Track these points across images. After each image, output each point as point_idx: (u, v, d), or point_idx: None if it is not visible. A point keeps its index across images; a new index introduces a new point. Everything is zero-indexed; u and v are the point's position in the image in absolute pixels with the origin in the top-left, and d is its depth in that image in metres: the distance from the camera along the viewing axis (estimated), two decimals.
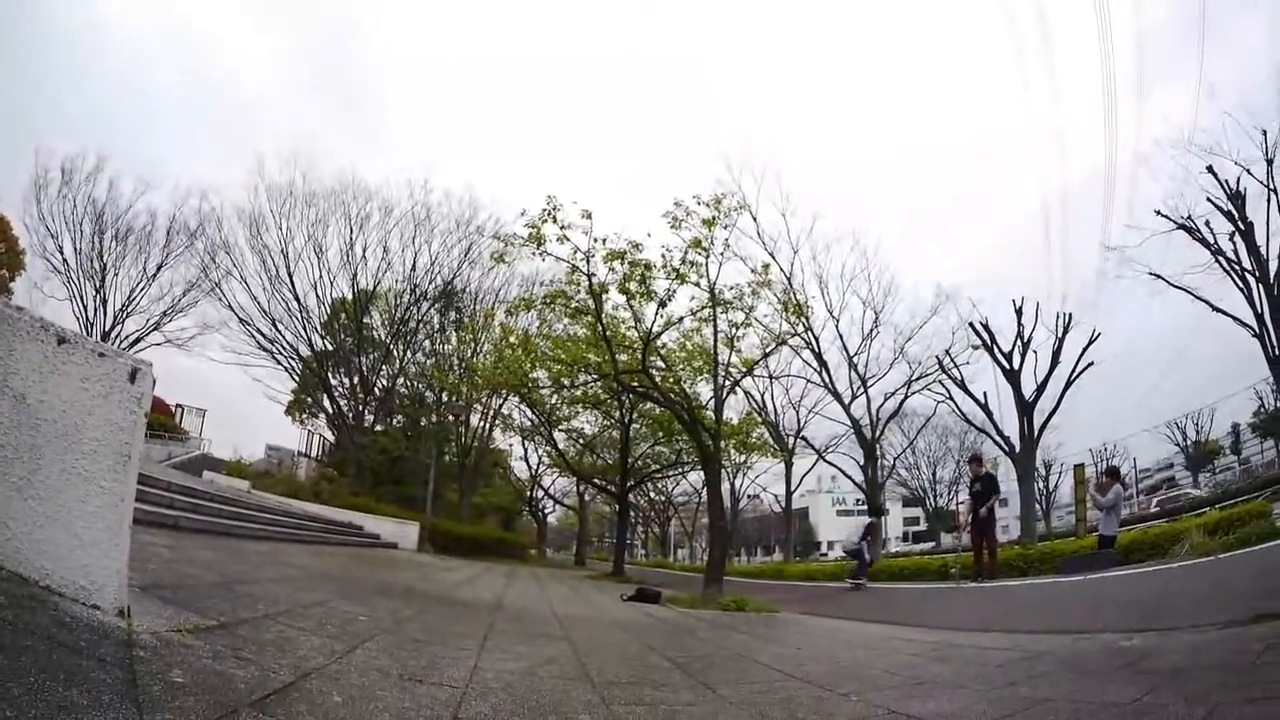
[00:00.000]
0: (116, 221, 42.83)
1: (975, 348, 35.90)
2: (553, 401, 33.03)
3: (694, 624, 10.28)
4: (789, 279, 39.67)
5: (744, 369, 23.71)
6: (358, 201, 43.44)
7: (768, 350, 24.46)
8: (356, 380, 45.75)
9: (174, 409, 52.85)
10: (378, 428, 47.11)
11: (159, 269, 43.49)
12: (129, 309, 44.28)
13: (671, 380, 21.60)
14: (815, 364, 41.98)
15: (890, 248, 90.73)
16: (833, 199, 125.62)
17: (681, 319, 21.25)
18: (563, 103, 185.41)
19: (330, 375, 45.99)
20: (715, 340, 20.28)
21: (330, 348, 45.61)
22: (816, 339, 41.03)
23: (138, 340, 44.14)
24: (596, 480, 42.52)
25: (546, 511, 68.33)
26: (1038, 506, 59.23)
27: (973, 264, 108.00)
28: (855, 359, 42.45)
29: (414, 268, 44.36)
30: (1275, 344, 22.97)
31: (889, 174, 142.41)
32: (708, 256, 18.53)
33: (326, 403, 45.93)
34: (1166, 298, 26.94)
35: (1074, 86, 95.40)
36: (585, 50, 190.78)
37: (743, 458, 44.56)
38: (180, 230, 43.09)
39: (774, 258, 39.25)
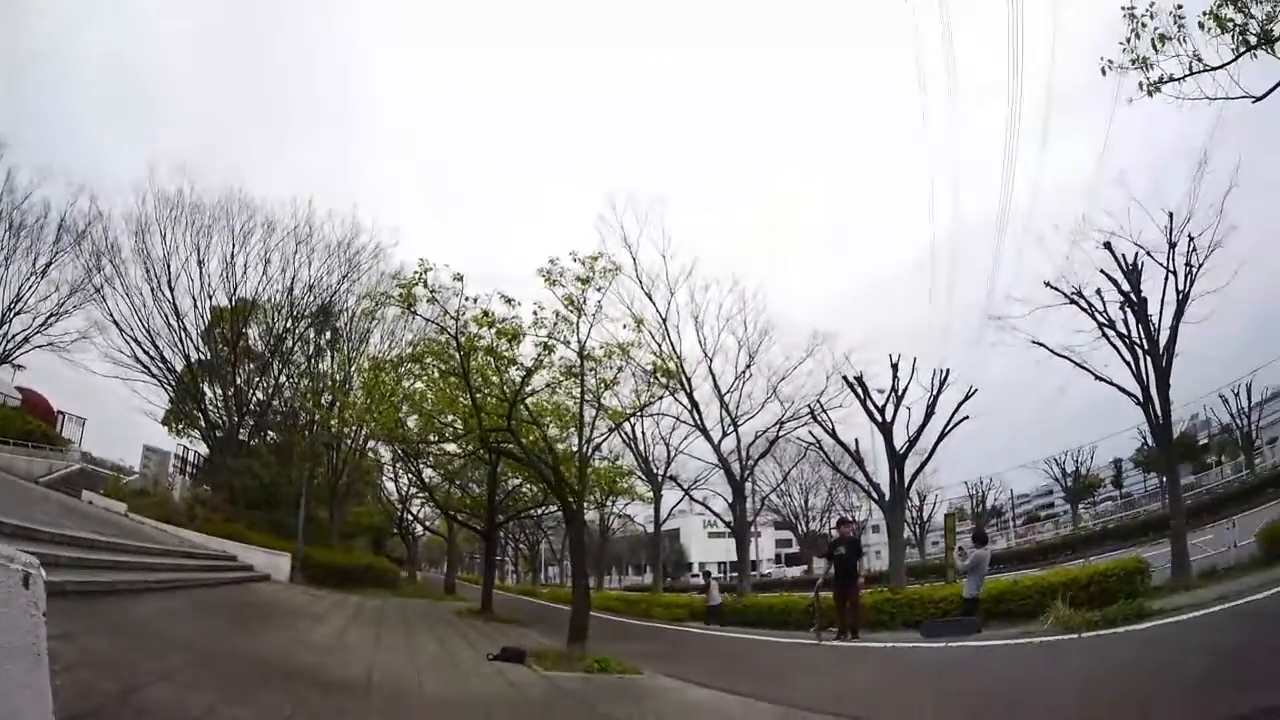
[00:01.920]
0: (12, 211, 41.58)
1: (850, 387, 35.51)
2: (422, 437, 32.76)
3: (553, 700, 10.62)
4: (664, 320, 40.52)
5: (613, 423, 23.98)
6: (242, 215, 42.67)
7: (631, 413, 24.69)
8: (231, 393, 44.47)
9: (57, 415, 51.37)
10: (253, 442, 45.99)
11: (48, 266, 42.27)
12: (17, 306, 42.97)
13: (537, 435, 21.75)
14: (687, 403, 41.59)
15: (771, 291, 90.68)
16: (717, 245, 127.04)
17: (549, 385, 21.65)
18: (454, 135, 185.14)
19: (206, 387, 44.83)
20: (582, 400, 20.53)
21: (207, 357, 44.40)
22: (689, 379, 40.90)
23: (25, 340, 43.26)
24: (461, 516, 42.81)
25: (417, 534, 67.93)
26: (911, 534, 60.44)
27: (855, 316, 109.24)
28: (727, 397, 42.34)
29: (293, 286, 43.81)
30: (1160, 414, 23.77)
31: (779, 222, 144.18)
32: (579, 316, 18.86)
33: (201, 416, 44.57)
34: (1045, 362, 27.35)
35: (972, 147, 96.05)
36: (480, 83, 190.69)
37: (610, 501, 44.96)
38: (69, 230, 41.90)
39: (650, 298, 39.96)
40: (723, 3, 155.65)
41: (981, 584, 19.12)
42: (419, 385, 25.64)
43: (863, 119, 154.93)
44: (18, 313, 43.15)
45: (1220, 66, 11.91)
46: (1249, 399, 58.00)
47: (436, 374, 23.69)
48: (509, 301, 18.54)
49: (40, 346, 43.36)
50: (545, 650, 15.81)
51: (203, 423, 44.49)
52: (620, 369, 20.72)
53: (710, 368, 42.24)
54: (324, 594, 27.52)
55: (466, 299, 18.40)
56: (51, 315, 43.13)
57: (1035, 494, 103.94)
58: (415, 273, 18.29)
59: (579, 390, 20.60)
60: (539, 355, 19.25)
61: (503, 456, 26.74)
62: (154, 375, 43.22)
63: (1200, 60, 11.95)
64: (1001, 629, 16.58)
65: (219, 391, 44.71)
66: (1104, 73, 12.22)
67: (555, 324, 18.78)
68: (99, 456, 48.92)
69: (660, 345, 37.28)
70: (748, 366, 42.39)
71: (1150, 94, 12.21)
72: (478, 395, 20.75)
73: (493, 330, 18.56)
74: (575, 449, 22.17)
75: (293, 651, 12.47)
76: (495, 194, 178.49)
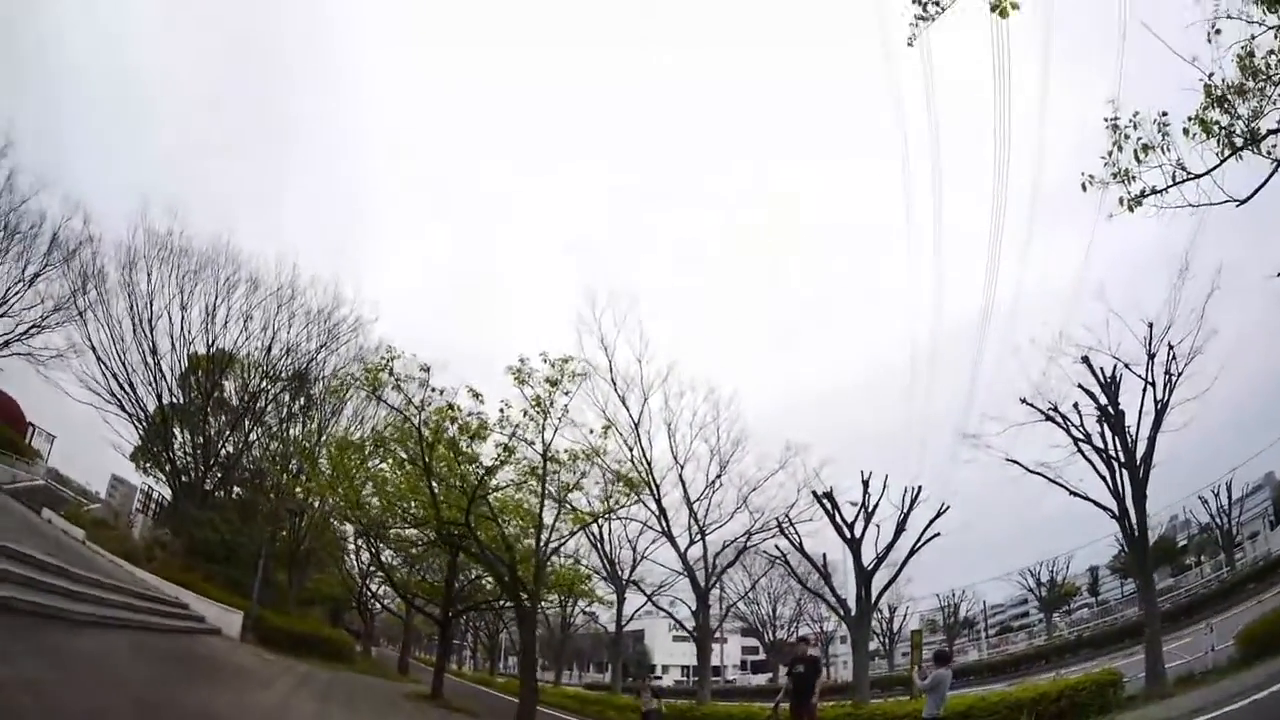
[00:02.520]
0: (9, 213, 40.32)
1: (820, 502, 35.12)
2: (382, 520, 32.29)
3: None
4: (636, 425, 40.16)
5: (576, 526, 23.47)
6: (228, 267, 42.95)
7: (592, 518, 24.21)
8: (201, 442, 44.36)
9: (28, 427, 50.65)
10: (218, 495, 45.69)
11: (36, 277, 40.98)
12: (2, 308, 41.99)
13: (495, 532, 21.25)
14: (655, 508, 40.49)
15: (746, 399, 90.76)
16: (693, 351, 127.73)
17: (513, 483, 21.24)
18: (453, 133, 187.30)
19: (176, 431, 44.68)
20: (542, 502, 20.17)
21: (180, 402, 44.20)
22: (658, 485, 40.00)
23: (4, 344, 41.97)
24: (419, 600, 42.45)
25: (375, 610, 67.04)
26: (880, 645, 59.65)
27: (829, 422, 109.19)
28: (696, 505, 41.32)
29: (271, 345, 43.87)
30: (1135, 526, 23.70)
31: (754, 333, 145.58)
32: (545, 418, 18.56)
33: (168, 460, 44.34)
34: (1019, 479, 27.10)
35: (952, 254, 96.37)
36: (476, 82, 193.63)
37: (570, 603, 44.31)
38: (60, 246, 41.13)
39: (624, 402, 39.67)
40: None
41: (943, 703, 18.51)
42: (384, 467, 25.35)
43: (846, 219, 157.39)
44: (2, 315, 42.36)
45: (1205, 174, 11.68)
46: (1229, 497, 57.91)
47: (402, 458, 23.39)
48: (476, 396, 18.48)
49: (19, 354, 42.40)
50: None
51: (169, 466, 44.15)
52: (584, 474, 20.32)
53: (681, 475, 41.28)
54: (274, 658, 26.79)
55: (432, 390, 18.76)
56: (34, 326, 41.96)
57: (1009, 604, 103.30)
58: (382, 358, 18.39)
59: (540, 491, 20.24)
60: (499, 455, 18.87)
61: (461, 549, 26.32)
62: (126, 411, 43.05)
63: (1184, 169, 11.71)
64: None
65: (189, 438, 44.54)
66: (1084, 189, 11.94)
67: (520, 424, 18.56)
68: (65, 475, 47.98)
69: (631, 450, 37.11)
70: (719, 475, 41.49)
71: (1131, 209, 11.94)
72: (440, 485, 20.45)
73: (455, 425, 18.24)
74: (534, 548, 21.53)
75: (234, 714, 11.90)
76: (494, 193, 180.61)
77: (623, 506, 24.25)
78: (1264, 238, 34.85)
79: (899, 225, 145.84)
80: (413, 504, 24.36)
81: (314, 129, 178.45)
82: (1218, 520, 59.18)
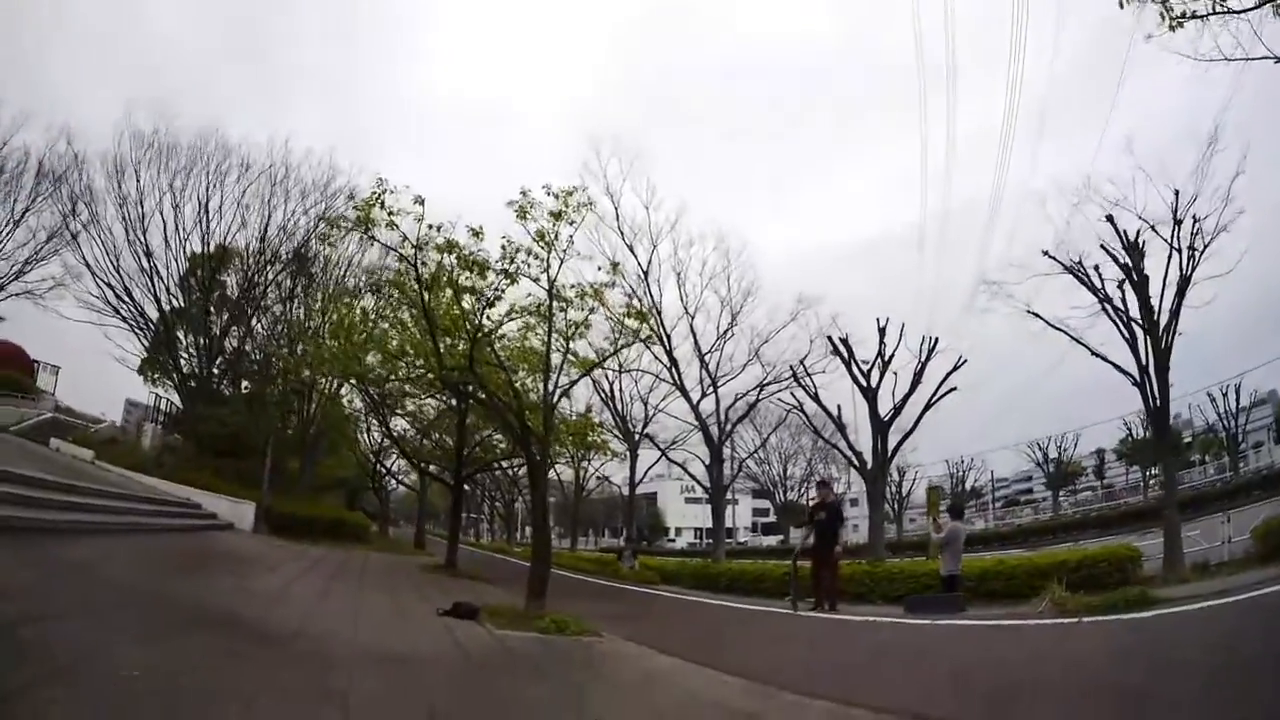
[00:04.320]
0: None
1: (834, 353, 34.83)
2: (388, 386, 32.22)
3: (497, 662, 9.84)
4: (645, 273, 40.19)
5: (582, 370, 22.82)
6: (218, 156, 41.79)
7: (600, 360, 23.55)
8: (207, 342, 43.90)
9: (34, 364, 50.55)
10: (227, 392, 45.24)
11: (25, 213, 40.52)
12: None
13: (503, 380, 20.59)
14: (666, 360, 41.33)
15: (758, 251, 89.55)
16: (703, 200, 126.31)
17: (513, 315, 20.49)
18: (433, 78, 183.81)
19: (181, 335, 44.00)
20: (550, 341, 19.48)
21: (182, 305, 43.38)
22: (668, 335, 40.55)
23: (0, 289, 41.73)
24: (431, 467, 42.55)
25: (390, 488, 67.50)
26: (889, 509, 59.98)
27: (842, 280, 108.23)
28: (707, 357, 41.76)
29: (267, 228, 42.90)
30: (1156, 396, 23.11)
31: (766, 184, 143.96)
32: (550, 251, 17.92)
33: (174, 365, 43.70)
34: (1039, 335, 26.52)
35: (971, 108, 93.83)
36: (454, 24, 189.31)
37: (581, 454, 44.21)
38: (47, 174, 40.21)
39: (632, 250, 39.40)
40: None
41: (959, 560, 18.51)
42: (385, 326, 24.83)
43: (861, 75, 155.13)
44: None
45: (1246, 10, 11.25)
46: (1237, 401, 57.96)
47: (403, 311, 22.90)
48: (476, 234, 17.51)
49: (16, 295, 41.98)
50: (503, 607, 15.02)
51: (175, 374, 43.84)
52: (592, 310, 19.59)
53: (691, 325, 41.77)
54: (286, 545, 26.93)
55: (430, 226, 17.29)
56: (28, 262, 41.57)
57: (1014, 478, 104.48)
58: (373, 192, 17.06)
59: (547, 331, 19.57)
60: (497, 283, 18.05)
61: (472, 405, 25.95)
62: (126, 322, 42.39)
63: (1224, 2, 11.27)
64: (988, 609, 15.93)
65: (194, 339, 44.10)
66: (1122, 5, 11.45)
67: (524, 259, 17.78)
68: (78, 410, 47.91)
69: (640, 299, 36.59)
70: (730, 326, 41.74)
71: (1173, 28, 11.47)
72: (446, 339, 19.86)
73: (454, 257, 17.49)
74: (543, 394, 20.99)
75: (231, 599, 11.93)
76: (484, 109, 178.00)
77: (632, 344, 23.52)
78: None
79: (914, 78, 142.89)
80: (413, 354, 23.86)
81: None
82: (1225, 423, 59.21)
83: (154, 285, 41.75)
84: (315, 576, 18.46)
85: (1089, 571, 17.01)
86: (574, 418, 28.43)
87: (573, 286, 19.04)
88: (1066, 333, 25.67)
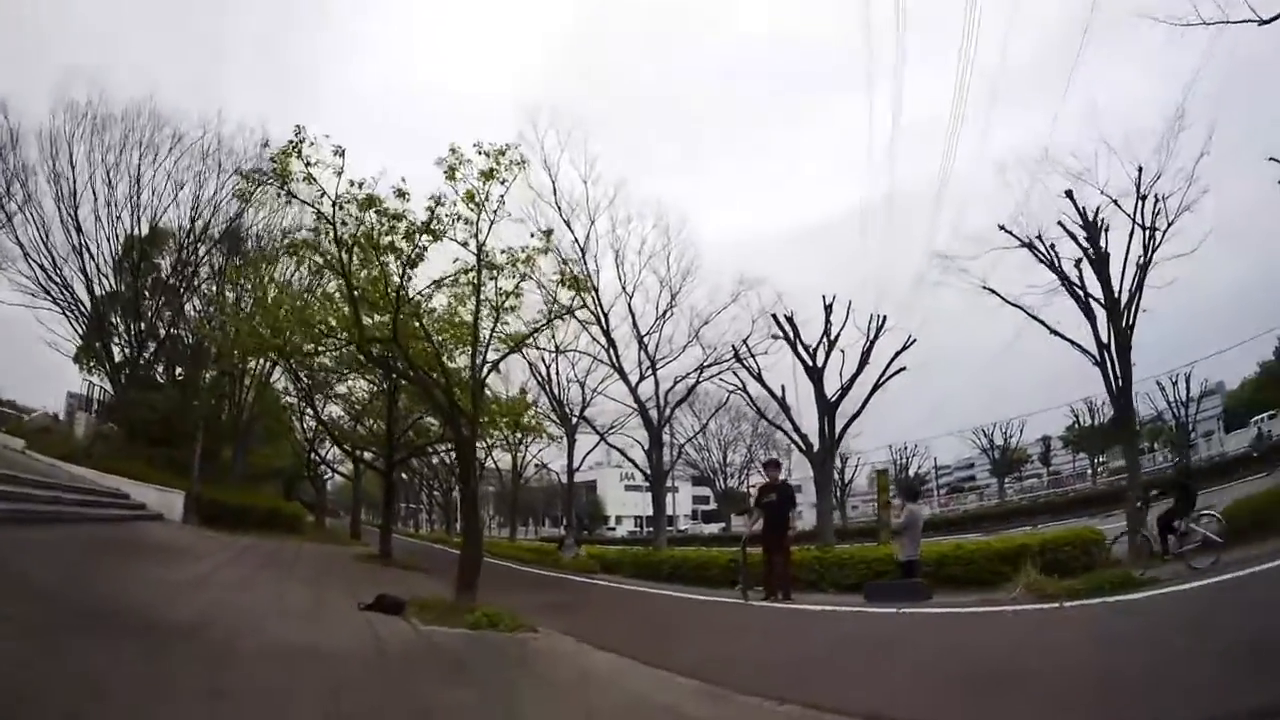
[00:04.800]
0: None
1: (775, 338, 34.30)
2: (316, 365, 31.02)
3: (418, 660, 9.09)
4: (582, 249, 39.17)
5: (511, 344, 21.71)
6: (149, 127, 40.01)
7: (538, 326, 22.34)
8: (141, 327, 42.38)
9: None
10: (161, 379, 44.23)
11: None
12: None
13: (429, 351, 19.46)
14: (604, 340, 40.33)
15: (699, 235, 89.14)
16: (642, 175, 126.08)
17: (441, 283, 19.47)
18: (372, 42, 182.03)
19: (116, 320, 42.45)
20: (478, 309, 18.47)
21: (115, 288, 41.84)
22: (606, 315, 39.71)
23: None
24: (362, 452, 41.25)
25: (327, 477, 66.08)
26: (834, 495, 59.85)
27: (787, 263, 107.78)
28: (646, 339, 40.76)
29: (198, 204, 41.37)
30: (1118, 375, 22.90)
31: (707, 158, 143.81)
32: (479, 213, 16.97)
33: (104, 352, 42.06)
34: (988, 316, 26.32)
35: (923, 78, 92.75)
36: None
37: (517, 437, 44.06)
38: None
39: (569, 225, 38.45)
40: None
41: (918, 545, 17.69)
42: (308, 299, 23.87)
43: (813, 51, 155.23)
44: None
45: None
46: (1187, 390, 58.42)
47: (329, 283, 21.70)
48: (402, 195, 16.43)
49: None
50: (433, 600, 14.21)
51: (109, 361, 42.22)
52: (524, 277, 18.62)
53: (630, 304, 40.68)
54: (215, 535, 26.22)
55: (351, 183, 16.07)
56: None
57: (956, 465, 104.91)
58: (290, 141, 15.86)
59: (475, 300, 18.53)
60: (420, 240, 16.90)
61: (403, 386, 24.98)
62: (56, 302, 40.58)
63: None
64: (953, 596, 15.43)
65: (129, 325, 42.55)
66: None
67: (449, 213, 16.73)
68: (19, 401, 46.63)
69: (575, 264, 35.12)
70: (669, 307, 40.83)
71: None
72: (373, 315, 18.90)
73: (373, 213, 16.31)
74: (471, 366, 19.89)
75: (141, 590, 11.39)
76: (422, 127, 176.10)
77: (565, 313, 22.45)
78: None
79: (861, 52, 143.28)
80: (339, 330, 22.52)
81: None
82: (1175, 412, 59.67)
83: (84, 263, 40.27)
84: (238, 567, 17.76)
85: (1053, 555, 16.69)
86: (508, 399, 27.59)
87: (503, 251, 18.11)
88: (1023, 309, 25.49)
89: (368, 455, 40.92)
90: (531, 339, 23.53)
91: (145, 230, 41.12)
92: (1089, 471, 70.01)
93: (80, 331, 42.15)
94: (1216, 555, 15.62)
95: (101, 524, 21.16)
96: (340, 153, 15.63)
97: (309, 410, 42.05)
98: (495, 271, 18.09)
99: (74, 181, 38.98)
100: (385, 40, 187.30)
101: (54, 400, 53.49)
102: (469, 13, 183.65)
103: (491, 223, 17.15)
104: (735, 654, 11.02)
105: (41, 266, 39.42)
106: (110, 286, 41.75)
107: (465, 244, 17.25)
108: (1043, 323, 24.88)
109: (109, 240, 40.73)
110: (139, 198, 40.41)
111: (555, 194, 38.10)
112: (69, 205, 39.02)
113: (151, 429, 38.06)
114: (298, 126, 15.82)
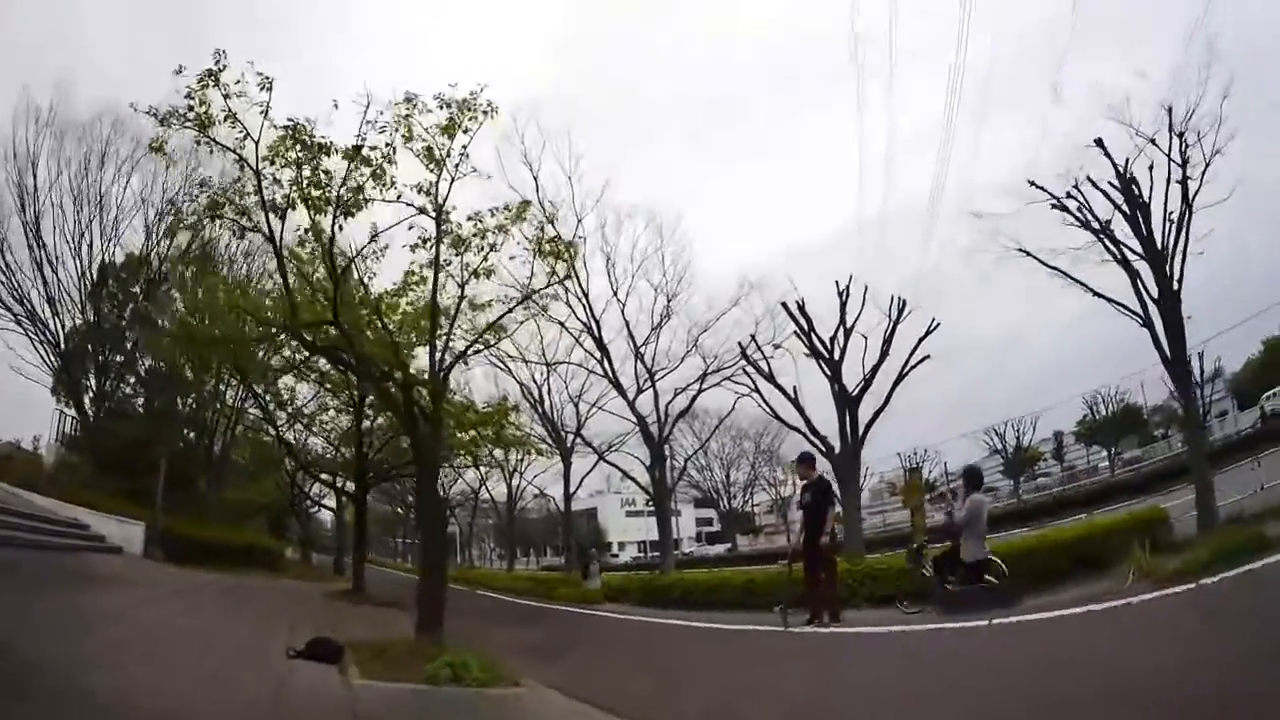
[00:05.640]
0: None
1: (778, 346, 33.62)
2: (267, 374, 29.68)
3: None
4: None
5: (478, 333, 18.91)
6: (113, 132, 37.49)
7: (511, 306, 19.33)
8: (121, 358, 40.88)
9: None
10: (140, 409, 42.15)
11: None
12: None
13: (378, 329, 16.67)
14: (596, 350, 38.65)
15: (693, 226, 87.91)
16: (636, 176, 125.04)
17: (384, 245, 16.55)
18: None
19: (94, 353, 40.35)
20: (435, 285, 15.82)
21: (91, 320, 39.64)
22: (598, 321, 37.95)
23: None
24: (330, 477, 40.02)
25: (312, 511, 64.10)
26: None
27: (791, 249, 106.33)
28: (642, 350, 38.99)
29: (162, 212, 38.65)
30: (1166, 332, 21.03)
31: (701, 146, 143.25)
32: (439, 173, 14.54)
33: (86, 383, 40.06)
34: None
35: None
36: None
37: (502, 455, 42.56)
38: None
39: (552, 223, 36.23)
40: None
41: (984, 541, 14.62)
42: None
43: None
44: None
45: None
46: (1201, 371, 56.57)
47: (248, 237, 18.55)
48: (356, 151, 13.67)
49: None
50: (394, 643, 11.58)
51: (89, 393, 40.15)
52: (494, 247, 16.01)
53: (623, 311, 38.72)
54: (173, 570, 24.42)
55: (282, 128, 13.44)
56: None
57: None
58: (207, 69, 13.08)
59: (433, 277, 15.87)
60: (356, 181, 14.06)
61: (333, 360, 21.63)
62: (16, 320, 38.13)
63: None
64: (1044, 597, 13.03)
65: (107, 357, 40.61)
66: None
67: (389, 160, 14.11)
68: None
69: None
70: (666, 313, 38.95)
71: None
72: (294, 273, 16.10)
73: (305, 152, 13.49)
74: (437, 364, 17.13)
75: (34, 633, 9.13)
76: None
77: (548, 286, 19.44)
78: None
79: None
80: (270, 304, 19.99)
81: None
82: (1198, 392, 58.41)
83: (44, 277, 38.01)
84: (169, 605, 15.68)
85: (1119, 540, 15.31)
86: (485, 407, 25.42)
87: (470, 218, 15.56)
88: (1061, 271, 23.60)
89: (338, 483, 39.85)
90: (505, 331, 20.87)
91: (109, 248, 39.26)
92: (1109, 462, 68.56)
93: (55, 365, 39.72)
94: None
95: (45, 553, 19.24)
96: (267, 86, 13.02)
97: (271, 430, 39.60)
98: (461, 245, 15.65)
99: (35, 197, 37.04)
100: (384, 40, 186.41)
101: (21, 429, 52.21)
102: (469, 13, 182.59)
103: (453, 179, 14.75)
104: (763, 705, 8.24)
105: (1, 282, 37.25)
106: (80, 318, 39.70)
107: (423, 209, 14.81)
108: (1082, 284, 23.30)
109: (76, 259, 38.63)
110: (105, 213, 38.55)
111: (538, 192, 35.53)
112: (29, 219, 37.03)
113: (123, 458, 36.17)
114: (218, 50, 13.29)
